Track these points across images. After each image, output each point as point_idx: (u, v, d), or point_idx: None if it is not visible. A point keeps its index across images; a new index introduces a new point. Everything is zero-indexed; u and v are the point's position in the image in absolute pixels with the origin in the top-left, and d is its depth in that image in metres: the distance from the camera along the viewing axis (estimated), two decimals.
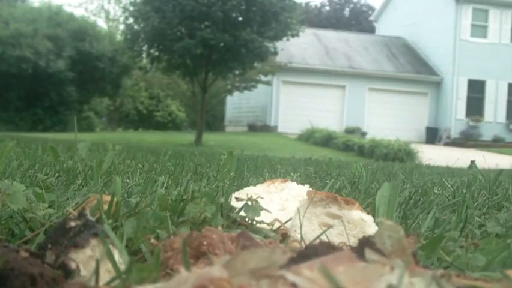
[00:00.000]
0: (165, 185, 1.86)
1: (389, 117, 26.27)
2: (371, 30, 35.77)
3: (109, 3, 40.98)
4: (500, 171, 2.71)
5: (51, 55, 24.83)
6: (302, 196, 1.28)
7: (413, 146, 17.70)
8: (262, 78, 21.39)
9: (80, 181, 1.85)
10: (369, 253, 0.61)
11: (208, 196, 1.36)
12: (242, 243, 0.83)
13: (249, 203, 1.26)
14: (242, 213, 1.27)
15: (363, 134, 23.72)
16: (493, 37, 25.97)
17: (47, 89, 25.42)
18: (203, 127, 18.93)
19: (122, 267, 0.73)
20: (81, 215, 0.81)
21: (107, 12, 36.77)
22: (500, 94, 25.97)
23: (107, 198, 1.14)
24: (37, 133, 19.47)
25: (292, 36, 17.97)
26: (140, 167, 2.64)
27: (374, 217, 1.22)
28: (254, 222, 1.24)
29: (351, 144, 18.86)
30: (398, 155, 16.62)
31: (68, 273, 0.73)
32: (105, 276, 0.73)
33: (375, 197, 1.41)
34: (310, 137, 21.22)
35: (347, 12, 49.02)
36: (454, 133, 25.27)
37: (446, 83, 26.19)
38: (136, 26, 17.99)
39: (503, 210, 1.87)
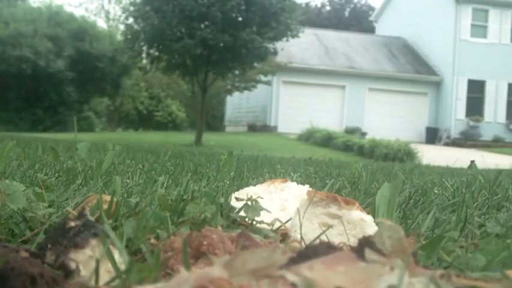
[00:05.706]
0: (165, 185, 1.86)
1: (389, 117, 26.25)
2: (371, 30, 35.75)
3: (109, 3, 41.03)
4: (500, 171, 2.71)
5: (51, 55, 24.83)
6: (302, 196, 1.28)
7: (413, 146, 17.69)
8: (262, 78, 21.37)
9: (80, 181, 1.85)
10: (369, 253, 0.61)
11: (208, 196, 1.36)
12: (242, 243, 0.83)
13: (249, 203, 1.26)
14: (242, 213, 1.27)
15: (363, 134, 23.71)
16: (493, 37, 25.96)
17: (47, 89, 25.42)
18: (203, 127, 18.93)
19: (122, 267, 0.73)
20: (81, 215, 0.81)
21: (107, 12, 36.80)
22: (500, 94, 25.96)
23: (107, 198, 1.14)
24: (37, 133, 19.46)
25: (292, 37, 17.98)
26: (140, 167, 2.64)
27: (374, 217, 1.22)
28: (254, 222, 1.24)
29: (351, 144, 18.85)
30: (397, 155, 16.61)
31: (68, 273, 0.73)
32: (105, 276, 0.73)
33: (375, 197, 1.41)
34: (310, 137, 21.21)
35: (347, 12, 49.01)
36: (454, 133, 25.26)
37: (446, 83, 26.18)
38: (136, 26, 17.99)
39: (503, 210, 1.87)
